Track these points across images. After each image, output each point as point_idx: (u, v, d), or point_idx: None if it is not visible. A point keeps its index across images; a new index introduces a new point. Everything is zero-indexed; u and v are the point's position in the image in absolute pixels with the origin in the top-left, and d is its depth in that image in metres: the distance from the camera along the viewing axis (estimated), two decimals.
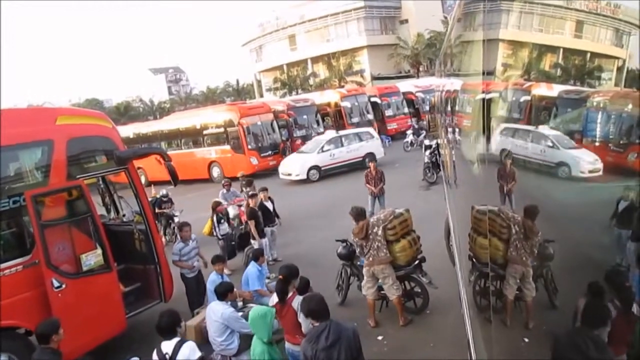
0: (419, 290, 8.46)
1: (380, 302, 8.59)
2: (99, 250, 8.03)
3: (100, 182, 10.59)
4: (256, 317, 5.86)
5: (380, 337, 7.98)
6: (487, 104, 3.48)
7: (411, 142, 28.64)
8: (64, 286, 7.41)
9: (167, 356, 5.22)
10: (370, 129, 27.21)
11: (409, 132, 29.68)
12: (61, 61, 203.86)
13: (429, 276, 8.35)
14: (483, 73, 3.32)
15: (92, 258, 7.92)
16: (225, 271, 10.84)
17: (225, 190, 15.03)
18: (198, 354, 5.31)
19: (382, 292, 8.30)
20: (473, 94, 4.49)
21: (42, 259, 7.25)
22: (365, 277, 8.28)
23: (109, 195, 10.70)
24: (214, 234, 12.13)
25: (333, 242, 9.60)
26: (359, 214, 8.30)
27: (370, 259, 8.06)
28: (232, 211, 14.17)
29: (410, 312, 8.51)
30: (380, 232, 8.00)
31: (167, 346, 5.29)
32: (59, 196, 7.94)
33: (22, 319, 7.15)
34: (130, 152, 9.27)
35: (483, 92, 3.54)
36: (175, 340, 5.32)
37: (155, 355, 5.33)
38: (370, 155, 23.20)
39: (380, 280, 8.14)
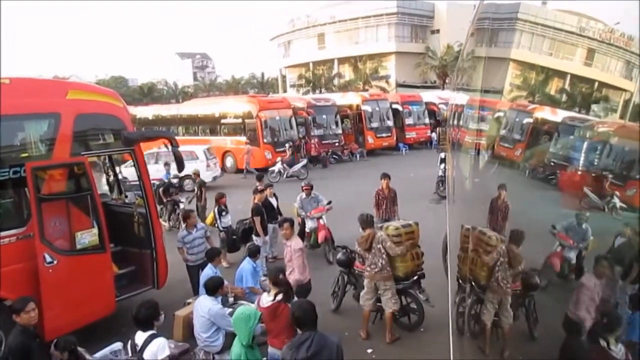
0: (415, 307, 8.25)
1: (375, 314, 8.41)
2: (95, 230, 7.92)
3: (107, 160, 10.52)
4: (240, 318, 5.70)
5: (369, 350, 7.80)
6: (488, 122, 3.38)
7: (279, 171, 24.29)
8: (55, 262, 7.30)
9: (136, 347, 5.14)
10: (196, 149, 23.11)
11: (278, 159, 25.15)
12: (93, 38, 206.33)
13: (426, 293, 8.15)
14: (487, 91, 3.20)
15: (87, 237, 7.83)
16: (224, 264, 10.83)
17: (304, 195, 12.49)
18: (166, 352, 5.20)
19: (379, 304, 8.13)
20: (477, 110, 4.38)
21: (37, 233, 7.16)
22: (365, 288, 8.14)
23: (114, 174, 10.61)
24: (216, 225, 12.01)
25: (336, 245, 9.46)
26: (364, 222, 8.18)
27: (373, 272, 7.89)
28: (310, 222, 12.18)
29: (404, 329, 8.32)
30: (383, 250, 7.83)
31: (140, 338, 5.21)
32: (60, 171, 7.86)
33: (10, 290, 7.03)
34: (138, 134, 9.19)
35: (485, 109, 3.43)
36: (149, 333, 5.21)
37: (129, 344, 5.26)
38: (189, 178, 19.44)
39: (379, 292, 7.98)
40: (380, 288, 7.93)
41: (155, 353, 5.13)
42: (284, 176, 24.08)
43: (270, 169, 24.42)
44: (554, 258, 2.40)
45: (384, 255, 7.81)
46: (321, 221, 12.02)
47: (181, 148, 18.63)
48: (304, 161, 25.49)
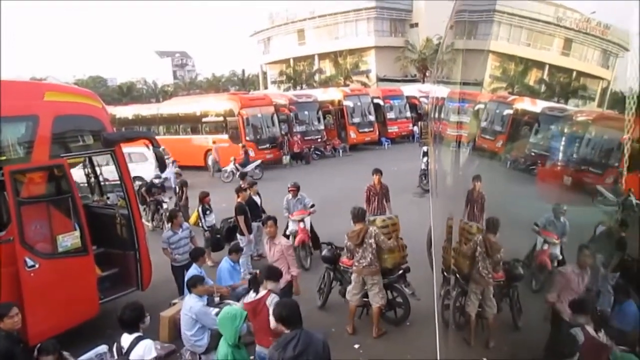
0: (401, 301, 8.29)
1: (361, 309, 8.43)
2: (77, 232, 7.83)
3: (87, 162, 10.39)
4: (225, 318, 5.68)
5: (357, 346, 7.81)
6: (469, 114, 3.39)
7: (232, 171, 23.67)
8: (37, 266, 7.22)
9: (122, 350, 5.10)
10: (146, 151, 19.40)
11: (232, 158, 24.35)
12: (70, 37, 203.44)
13: (412, 287, 8.19)
14: (467, 83, 3.21)
15: (69, 240, 7.74)
16: (208, 262, 10.80)
17: (290, 196, 11.95)
18: (153, 354, 5.17)
19: (366, 299, 8.15)
20: (457, 103, 4.40)
21: (17, 237, 7.06)
22: (353, 283, 8.15)
23: (95, 176, 10.49)
24: (200, 224, 11.95)
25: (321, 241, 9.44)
26: (356, 216, 8.12)
27: (361, 267, 7.91)
28: (291, 225, 11.73)
29: (390, 323, 8.35)
30: (374, 245, 7.85)
31: (126, 340, 5.18)
32: (39, 174, 7.75)
33: None
34: (118, 135, 9.12)
35: (466, 101, 3.44)
36: (135, 335, 5.18)
37: (114, 347, 5.29)
38: (139, 180, 18.44)
39: (367, 286, 8.00)
40: (368, 283, 7.95)
41: (142, 355, 5.10)
42: (237, 176, 23.57)
43: (223, 169, 24.19)
44: (543, 256, 2.42)
45: (373, 250, 7.82)
46: (301, 225, 11.48)
47: (131, 150, 17.68)
48: (257, 162, 24.71)
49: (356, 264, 7.99)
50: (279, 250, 8.08)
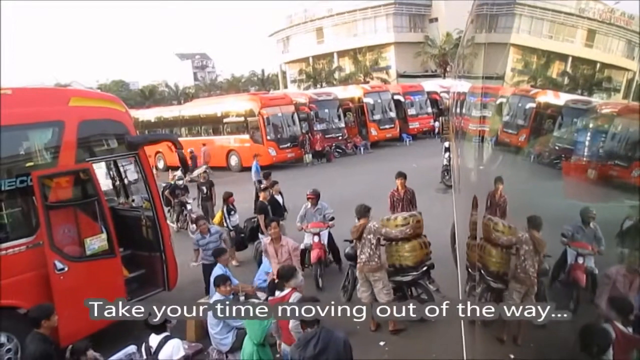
0: (426, 298, 8.24)
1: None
2: (104, 235, 7.96)
3: (112, 165, 10.55)
4: None
5: (382, 343, 7.79)
6: (491, 109, 3.36)
7: (180, 177, 20.93)
8: (66, 269, 7.35)
9: (151, 350, 5.19)
10: None
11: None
12: (92, 43, 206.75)
13: (436, 284, 8.16)
14: (489, 77, 3.18)
15: (97, 242, 7.86)
16: (233, 262, 10.88)
17: (309, 205, 10.90)
18: (181, 353, 5.25)
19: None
20: (479, 98, 4.36)
21: (46, 241, 7.21)
22: (359, 281, 8.16)
23: (120, 179, 10.64)
24: (225, 224, 12.04)
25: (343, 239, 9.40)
26: (359, 212, 8.19)
27: (361, 263, 7.92)
28: (306, 238, 10.57)
29: (413, 320, 8.29)
30: (374, 241, 7.85)
31: (154, 340, 5.26)
32: (66, 178, 7.90)
33: (23, 299, 7.10)
34: (142, 138, 9.26)
35: (487, 95, 3.41)
36: (163, 335, 5.26)
37: (143, 347, 5.42)
38: None
39: (372, 284, 7.98)
40: (370, 279, 7.92)
41: (171, 354, 5.19)
42: (184, 181, 23.24)
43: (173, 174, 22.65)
44: (577, 272, 2.35)
45: (372, 246, 7.82)
46: (316, 238, 10.24)
47: None
48: (203, 167, 22.54)
49: (359, 260, 7.99)
50: (286, 251, 8.07)
